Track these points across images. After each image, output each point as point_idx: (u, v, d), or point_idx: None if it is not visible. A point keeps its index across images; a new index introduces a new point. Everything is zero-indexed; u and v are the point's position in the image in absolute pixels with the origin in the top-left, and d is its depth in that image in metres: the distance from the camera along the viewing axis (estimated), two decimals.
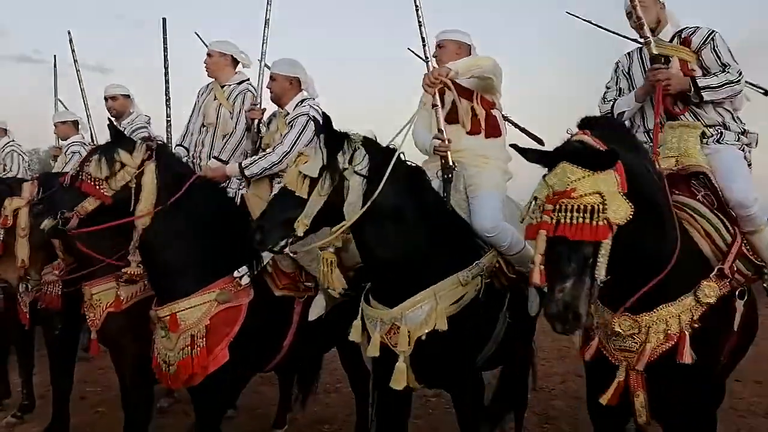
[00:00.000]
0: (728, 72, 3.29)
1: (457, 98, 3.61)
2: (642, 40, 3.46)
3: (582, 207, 2.18)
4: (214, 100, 4.72)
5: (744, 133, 3.37)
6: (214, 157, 4.42)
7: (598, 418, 2.84)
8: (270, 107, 4.54)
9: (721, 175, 3.12)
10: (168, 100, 5.11)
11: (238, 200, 4.28)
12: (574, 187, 2.20)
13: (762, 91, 3.93)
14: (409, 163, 3.27)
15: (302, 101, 4.22)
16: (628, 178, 2.25)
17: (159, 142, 3.71)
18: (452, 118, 3.66)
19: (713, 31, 3.38)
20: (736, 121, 3.39)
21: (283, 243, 3.02)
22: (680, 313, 2.54)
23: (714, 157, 3.23)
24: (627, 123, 3.52)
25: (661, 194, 2.54)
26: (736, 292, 2.78)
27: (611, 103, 3.60)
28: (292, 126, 4.09)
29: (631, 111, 3.53)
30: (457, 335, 3.09)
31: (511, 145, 2.47)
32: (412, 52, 4.51)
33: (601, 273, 2.19)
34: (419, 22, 3.70)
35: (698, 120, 3.33)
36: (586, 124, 2.44)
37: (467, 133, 3.63)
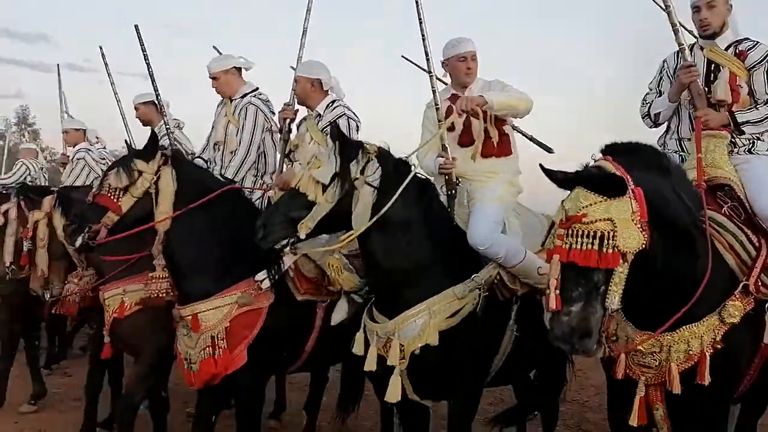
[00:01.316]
0: None
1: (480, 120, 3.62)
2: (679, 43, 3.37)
3: (592, 233, 2.21)
4: (224, 116, 4.72)
5: None
6: (220, 175, 4.37)
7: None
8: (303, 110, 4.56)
9: (749, 186, 3.11)
10: (161, 107, 5.29)
11: (266, 203, 4.33)
12: (585, 213, 2.24)
13: None
14: (420, 175, 3.38)
15: (332, 102, 4.25)
16: (651, 206, 2.28)
17: (174, 148, 3.91)
18: (465, 140, 3.72)
19: None
20: None
21: (284, 242, 3.13)
22: (703, 333, 2.56)
23: (744, 167, 3.20)
24: (664, 126, 3.54)
25: (691, 218, 2.54)
26: (766, 305, 2.77)
27: (648, 105, 3.57)
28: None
29: (667, 112, 3.49)
30: (451, 349, 3.17)
31: (540, 165, 2.46)
32: (408, 60, 4.59)
33: (613, 302, 2.23)
34: (422, 35, 3.81)
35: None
36: (609, 150, 2.46)
37: (482, 155, 3.64)
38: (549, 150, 3.89)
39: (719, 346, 2.56)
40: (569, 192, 2.35)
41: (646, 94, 3.65)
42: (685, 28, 3.53)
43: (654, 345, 2.58)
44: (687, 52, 3.33)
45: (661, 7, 3.38)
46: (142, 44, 5.10)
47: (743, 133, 3.23)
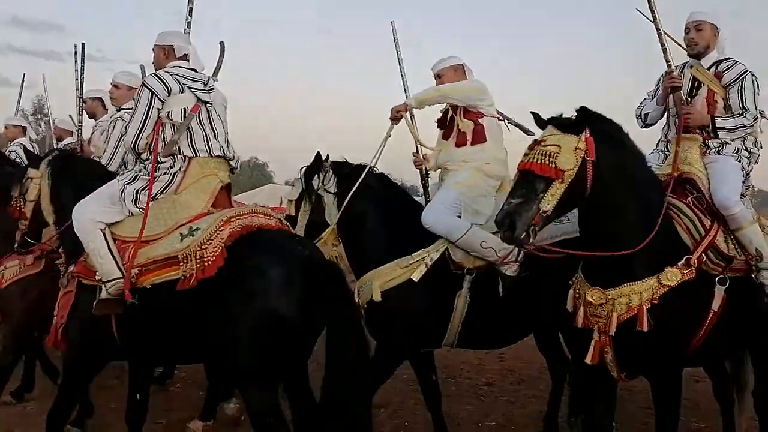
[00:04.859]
0: (745, 116, 3.99)
1: (455, 114, 4.62)
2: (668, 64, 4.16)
3: (544, 151, 3.20)
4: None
5: (747, 149, 4.07)
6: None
7: (587, 380, 3.70)
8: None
9: (712, 180, 3.89)
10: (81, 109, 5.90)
11: None
12: (545, 139, 3.27)
13: None
14: (382, 174, 4.56)
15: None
16: (600, 153, 3.23)
17: (66, 150, 4.78)
18: (447, 134, 4.70)
19: (746, 71, 4.04)
20: (744, 142, 4.07)
21: None
22: (643, 291, 3.36)
23: (712, 165, 3.98)
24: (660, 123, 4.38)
25: (637, 188, 3.40)
26: (716, 279, 3.57)
27: (641, 108, 4.41)
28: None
29: (654, 113, 4.34)
30: (391, 306, 4.21)
31: (530, 112, 3.47)
32: None
33: (544, 206, 3.16)
34: (399, 61, 4.90)
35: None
36: (580, 111, 3.32)
37: (455, 145, 4.62)
38: (527, 132, 4.63)
39: (656, 302, 3.35)
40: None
41: (643, 99, 4.46)
42: (679, 44, 4.33)
43: (601, 297, 3.39)
44: (672, 66, 4.13)
45: (659, 33, 4.14)
46: (82, 62, 5.70)
47: (718, 136, 4.00)
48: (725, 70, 4.09)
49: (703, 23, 4.14)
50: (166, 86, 3.89)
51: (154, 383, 5.83)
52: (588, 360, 3.47)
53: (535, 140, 3.31)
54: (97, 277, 3.77)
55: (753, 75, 4.05)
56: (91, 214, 3.82)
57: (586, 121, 3.26)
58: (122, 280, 3.65)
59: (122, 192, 3.87)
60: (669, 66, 4.16)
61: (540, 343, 5.16)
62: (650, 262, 3.40)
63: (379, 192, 4.49)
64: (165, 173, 3.91)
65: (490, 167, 4.57)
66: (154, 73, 4.01)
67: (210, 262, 3.46)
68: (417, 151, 4.81)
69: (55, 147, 6.79)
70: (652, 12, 4.13)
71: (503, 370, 6.94)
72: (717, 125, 4.00)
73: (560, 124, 3.27)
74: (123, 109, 5.39)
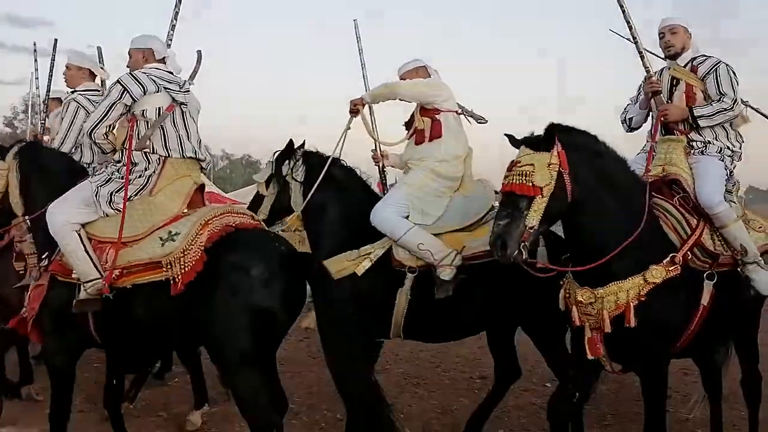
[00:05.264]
0: (723, 101, 4.16)
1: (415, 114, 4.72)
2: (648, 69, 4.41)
3: (521, 172, 3.38)
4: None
5: (729, 148, 4.25)
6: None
7: (574, 369, 3.90)
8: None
9: (696, 180, 4.08)
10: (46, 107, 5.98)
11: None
12: (519, 160, 3.45)
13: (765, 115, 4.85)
14: (350, 167, 4.75)
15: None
16: (576, 164, 3.42)
17: (31, 141, 4.79)
18: (411, 134, 4.77)
19: (720, 62, 4.25)
20: (728, 139, 4.27)
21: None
22: (629, 288, 3.52)
23: (696, 165, 4.16)
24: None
25: (619, 192, 3.57)
26: (704, 275, 3.73)
27: (625, 113, 4.63)
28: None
29: (638, 117, 4.57)
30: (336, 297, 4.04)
31: (504, 134, 3.61)
32: None
33: (530, 222, 3.34)
34: (360, 57, 5.16)
35: (699, 135, 4.25)
36: (552, 127, 3.48)
37: (414, 143, 4.73)
38: (481, 119, 4.78)
39: (643, 299, 3.51)
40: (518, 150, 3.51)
41: (627, 105, 4.66)
42: (655, 54, 4.59)
43: (590, 297, 3.55)
44: (651, 72, 4.38)
45: (628, 40, 4.45)
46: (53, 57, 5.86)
47: (699, 125, 4.18)
48: (699, 64, 4.31)
49: (676, 26, 4.37)
50: (142, 86, 3.96)
51: (153, 378, 6.11)
52: (590, 355, 3.63)
53: (512, 161, 3.49)
54: (74, 276, 3.86)
55: (727, 64, 4.25)
56: (65, 216, 3.88)
57: (554, 136, 3.42)
58: (101, 280, 3.75)
59: (96, 194, 3.91)
60: (648, 72, 4.40)
61: (491, 343, 5.10)
62: (637, 261, 3.56)
63: (342, 185, 4.66)
64: (140, 176, 3.98)
65: (444, 167, 4.61)
66: (130, 73, 4.05)
67: (189, 268, 3.65)
68: (375, 148, 5.01)
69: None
70: (628, 23, 4.39)
71: None
72: (695, 114, 4.18)
73: (531, 143, 3.45)
74: (77, 90, 5.37)
